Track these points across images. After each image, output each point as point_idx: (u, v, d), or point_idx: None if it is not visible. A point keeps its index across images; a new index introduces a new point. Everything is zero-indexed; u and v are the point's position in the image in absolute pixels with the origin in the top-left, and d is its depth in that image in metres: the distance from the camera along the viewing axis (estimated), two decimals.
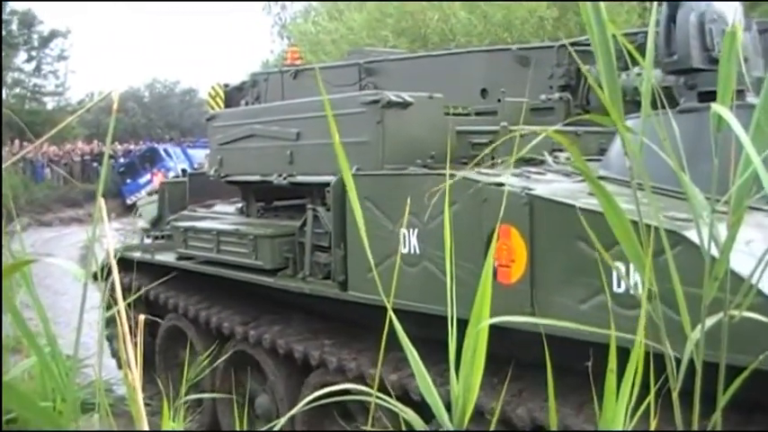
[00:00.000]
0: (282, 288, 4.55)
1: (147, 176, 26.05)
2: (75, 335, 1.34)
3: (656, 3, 4.20)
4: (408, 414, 1.31)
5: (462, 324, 2.38)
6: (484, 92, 5.06)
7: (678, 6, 3.70)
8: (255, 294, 5.20)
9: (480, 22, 14.99)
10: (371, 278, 3.74)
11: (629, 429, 1.28)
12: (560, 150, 3.97)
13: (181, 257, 5.57)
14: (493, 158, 3.70)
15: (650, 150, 1.57)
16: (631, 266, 2.61)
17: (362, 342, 4.43)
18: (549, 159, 3.87)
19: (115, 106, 1.40)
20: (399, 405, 1.33)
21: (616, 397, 1.19)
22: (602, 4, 1.34)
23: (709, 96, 3.48)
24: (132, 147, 33.17)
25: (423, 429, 1.30)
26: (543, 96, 4.59)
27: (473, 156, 3.95)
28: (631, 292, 2.58)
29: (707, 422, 1.42)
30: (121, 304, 1.29)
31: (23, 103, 35.88)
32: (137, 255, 6.00)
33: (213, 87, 7.78)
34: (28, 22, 36.46)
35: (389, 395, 2.96)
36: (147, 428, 1.79)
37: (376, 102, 3.98)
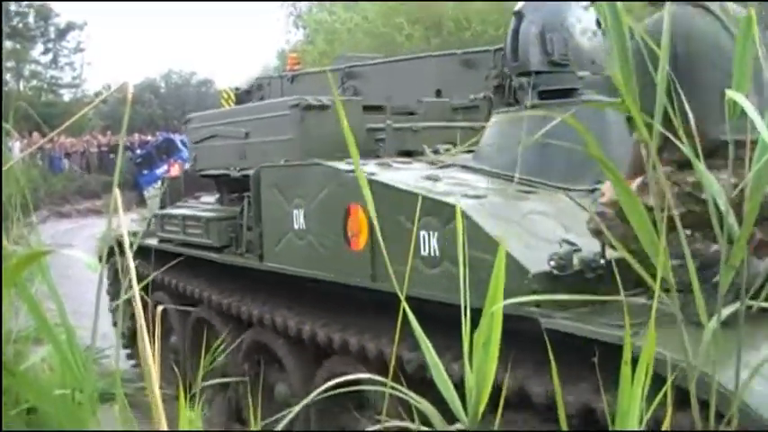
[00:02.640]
0: (224, 262, 5.37)
1: (165, 167, 26.05)
2: (93, 325, 1.35)
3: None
4: (423, 405, 1.31)
5: (327, 283, 3.94)
6: (438, 92, 5.70)
7: (521, 20, 4.36)
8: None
9: (496, 9, 14.92)
10: (278, 251, 4.52)
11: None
12: (452, 143, 4.74)
13: (161, 240, 6.36)
14: (383, 151, 4.65)
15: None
16: (430, 234, 3.28)
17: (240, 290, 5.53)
18: (428, 151, 4.63)
19: (129, 97, 1.41)
20: (414, 395, 1.33)
21: (631, 384, 1.18)
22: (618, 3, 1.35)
23: (549, 94, 4.29)
24: (149, 138, 33.18)
25: (438, 420, 1.30)
26: (472, 96, 5.05)
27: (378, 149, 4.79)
28: (434, 254, 3.27)
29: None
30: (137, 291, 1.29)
31: (40, 95, 36.03)
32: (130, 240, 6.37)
33: (225, 91, 8.36)
34: (44, 14, 36.56)
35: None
36: (163, 418, 1.80)
37: (297, 105, 4.77)
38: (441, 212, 3.23)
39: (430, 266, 3.31)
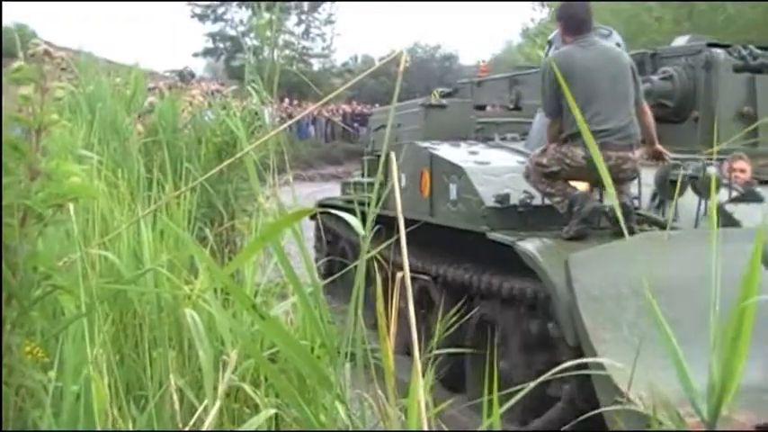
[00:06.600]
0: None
1: None
2: (357, 287, 1.40)
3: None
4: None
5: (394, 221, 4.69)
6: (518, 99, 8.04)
7: (551, 47, 5.90)
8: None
9: (753, 11, 13.99)
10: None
11: None
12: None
13: (347, 201, 8.31)
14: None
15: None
16: (453, 185, 5.25)
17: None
18: (497, 138, 6.57)
19: (401, 68, 1.50)
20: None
21: None
22: None
23: None
24: None
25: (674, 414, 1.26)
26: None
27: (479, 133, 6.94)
28: (454, 198, 5.24)
29: None
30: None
31: (292, 64, 37.81)
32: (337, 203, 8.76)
33: (433, 93, 9.76)
34: None
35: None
36: (393, 383, 1.85)
37: (422, 104, 6.98)
38: (457, 171, 5.19)
39: (453, 206, 5.25)
